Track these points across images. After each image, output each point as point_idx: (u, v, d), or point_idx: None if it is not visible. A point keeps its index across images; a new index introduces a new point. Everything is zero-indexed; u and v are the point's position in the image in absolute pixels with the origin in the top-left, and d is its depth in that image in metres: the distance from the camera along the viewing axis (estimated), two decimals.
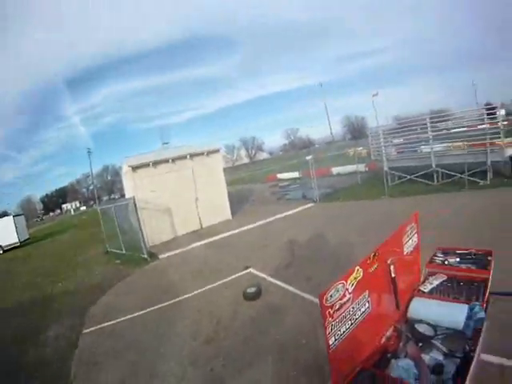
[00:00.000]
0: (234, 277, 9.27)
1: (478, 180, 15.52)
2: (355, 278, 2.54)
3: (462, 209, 11.80)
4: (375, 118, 57.67)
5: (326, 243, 10.56)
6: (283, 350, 5.45)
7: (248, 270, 9.54)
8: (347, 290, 2.47)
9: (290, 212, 17.21)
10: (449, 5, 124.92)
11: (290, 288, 7.78)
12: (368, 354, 2.77)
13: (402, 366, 2.57)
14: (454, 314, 3.02)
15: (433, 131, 17.43)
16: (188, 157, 17.41)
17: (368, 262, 2.73)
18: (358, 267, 2.58)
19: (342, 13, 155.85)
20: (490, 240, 6.94)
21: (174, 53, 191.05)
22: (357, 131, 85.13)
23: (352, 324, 2.56)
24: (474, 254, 3.92)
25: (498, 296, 3.59)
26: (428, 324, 3.03)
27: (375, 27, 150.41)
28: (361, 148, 33.65)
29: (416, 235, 3.67)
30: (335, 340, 2.41)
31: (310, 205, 18.18)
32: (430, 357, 2.72)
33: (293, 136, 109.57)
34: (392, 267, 3.04)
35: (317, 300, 2.40)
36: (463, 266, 3.75)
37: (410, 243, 3.54)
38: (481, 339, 2.83)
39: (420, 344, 2.86)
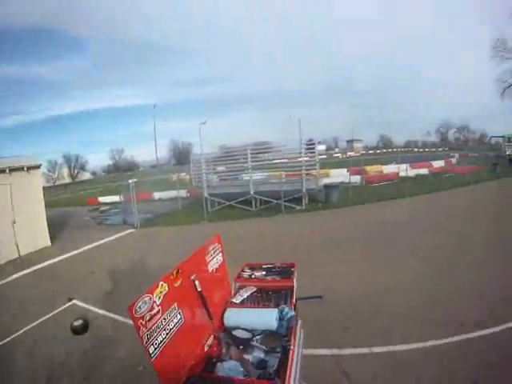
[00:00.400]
0: (58, 310, 8.48)
1: (295, 205, 17.15)
2: (161, 292, 2.62)
3: (274, 230, 13.25)
4: (200, 146, 59.47)
5: (146, 269, 10.31)
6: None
7: (72, 302, 8.86)
8: (155, 302, 2.52)
9: (110, 238, 16.26)
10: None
11: (117, 317, 7.46)
12: (194, 362, 2.85)
13: (228, 368, 2.73)
14: (266, 317, 3.28)
15: (253, 161, 18.46)
16: (7, 171, 14.63)
17: (171, 277, 2.83)
18: (161, 282, 2.67)
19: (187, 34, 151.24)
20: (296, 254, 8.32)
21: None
22: (182, 156, 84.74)
23: (168, 334, 2.62)
24: (279, 267, 4.30)
25: (305, 300, 4.10)
26: (244, 329, 3.26)
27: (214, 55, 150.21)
28: (184, 174, 33.77)
29: (220, 254, 3.88)
30: (155, 349, 2.43)
31: (130, 230, 17.41)
32: (253, 356, 2.93)
33: (118, 157, 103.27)
34: (197, 282, 3.15)
35: None
36: (269, 278, 4.07)
37: (214, 261, 3.73)
38: (295, 335, 3.18)
39: (241, 347, 3.06)
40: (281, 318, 3.29)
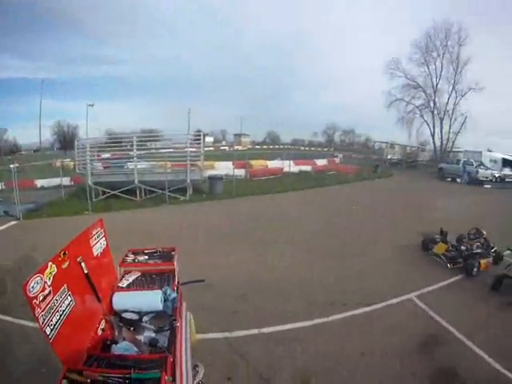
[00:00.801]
0: None
1: (179, 196, 17.32)
2: (50, 273, 2.58)
3: (157, 221, 13.48)
4: (86, 130, 56.42)
5: (32, 264, 9.24)
6: None
7: None
8: (46, 282, 2.49)
9: None
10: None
11: (8, 318, 6.86)
12: (90, 345, 2.92)
13: (122, 348, 2.88)
14: (151, 299, 3.53)
15: (139, 149, 18.23)
16: None
17: (59, 258, 2.77)
18: (50, 263, 2.61)
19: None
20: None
21: None
22: (68, 141, 78.07)
23: (62, 315, 2.62)
24: (160, 251, 4.48)
25: (188, 283, 4.69)
26: (133, 312, 3.44)
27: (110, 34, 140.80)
28: (68, 160, 31.77)
29: (104, 239, 3.83)
30: (51, 330, 2.44)
31: (13, 222, 15.48)
32: (145, 336, 3.18)
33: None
34: (83, 264, 3.14)
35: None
36: (151, 262, 4.26)
37: (98, 246, 3.69)
38: (181, 314, 3.54)
39: (132, 328, 3.24)
40: (165, 299, 3.58)
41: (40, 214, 16.62)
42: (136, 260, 4.28)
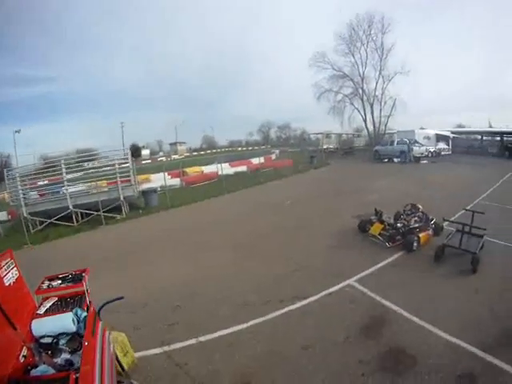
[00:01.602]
0: None
1: (116, 215, 16.80)
2: None
3: (91, 245, 13.10)
4: (16, 158, 54.42)
5: None
6: None
7: None
8: None
9: None
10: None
11: None
12: (11, 371, 2.95)
13: (39, 371, 3.04)
14: (64, 322, 3.61)
15: (74, 171, 18.23)
16: None
17: None
18: None
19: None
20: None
21: None
22: (1, 172, 73.78)
23: None
24: (72, 275, 4.45)
25: (109, 303, 4.63)
26: (50, 336, 3.53)
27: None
28: (4, 192, 30.02)
29: (15, 269, 3.82)
30: None
31: None
32: (61, 358, 3.34)
33: None
34: None
35: None
36: (63, 286, 4.24)
37: (10, 276, 3.69)
38: (91, 332, 3.60)
39: (50, 352, 3.40)
40: (78, 320, 3.68)
41: None
42: (50, 286, 4.25)
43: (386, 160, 33.63)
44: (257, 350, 5.52)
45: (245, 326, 6.18)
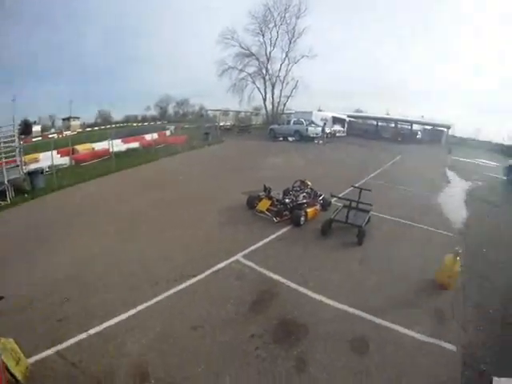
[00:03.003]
0: None
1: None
2: None
3: None
4: None
5: None
6: None
7: None
8: None
9: None
10: None
11: None
12: None
13: None
14: None
15: None
16: None
17: None
18: None
19: None
20: None
21: None
22: None
23: None
24: None
25: None
26: None
27: None
28: None
29: None
30: None
31: None
32: None
33: None
34: None
35: None
36: None
37: None
38: None
39: None
40: None
41: None
42: None
43: (281, 139, 34.37)
44: (149, 335, 5.41)
45: (134, 311, 6.00)
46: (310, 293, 6.39)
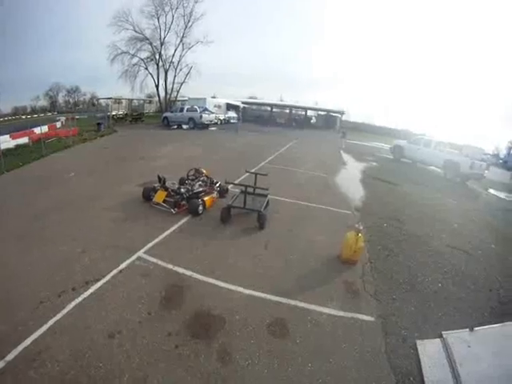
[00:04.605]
0: None
1: None
2: None
3: None
4: None
5: None
6: None
7: None
8: None
9: None
10: None
11: None
12: None
13: None
14: None
15: None
16: None
17: None
18: None
19: None
20: None
21: None
22: None
23: None
24: None
25: None
26: None
27: None
28: None
29: None
30: None
31: None
32: None
33: None
34: None
35: None
36: None
37: None
38: None
39: None
40: None
41: None
42: None
43: (175, 127, 34.13)
44: (65, 353, 4.83)
45: (44, 328, 5.28)
46: (218, 282, 6.30)
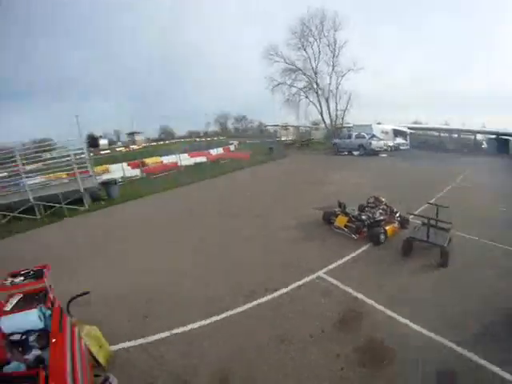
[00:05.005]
0: None
1: (78, 207, 16.40)
2: None
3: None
4: None
5: None
6: None
7: None
8: None
9: None
10: None
11: None
12: None
13: (11, 368, 3.11)
14: (31, 318, 3.64)
15: (32, 163, 17.69)
16: None
17: None
18: None
19: None
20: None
21: None
22: None
23: None
24: (33, 271, 4.42)
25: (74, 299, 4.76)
26: (19, 333, 3.58)
27: None
28: None
29: None
30: None
31: None
32: (32, 354, 3.37)
33: None
34: None
35: None
36: (26, 282, 4.22)
37: None
38: (57, 329, 3.53)
39: (20, 348, 3.45)
40: (45, 317, 3.71)
41: None
42: (13, 282, 4.25)
43: (345, 153, 34.31)
44: (231, 343, 5.46)
45: (218, 318, 6.13)
46: (397, 316, 6.04)
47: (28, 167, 17.20)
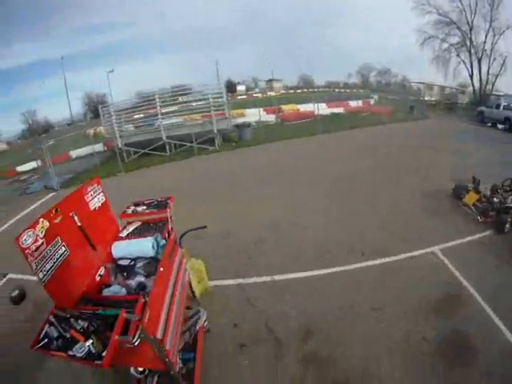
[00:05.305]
0: None
1: (208, 147, 17.65)
2: (43, 227, 2.88)
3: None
4: (110, 95, 58.14)
5: None
6: None
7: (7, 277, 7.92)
8: (38, 236, 2.82)
9: (34, 205, 14.35)
10: None
11: None
12: (86, 289, 3.29)
13: (111, 291, 3.35)
14: (144, 246, 3.82)
15: (169, 105, 19.06)
16: None
17: (51, 214, 3.06)
18: (41, 219, 2.91)
19: None
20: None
21: None
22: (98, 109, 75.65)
23: (55, 263, 2.97)
24: (158, 201, 4.68)
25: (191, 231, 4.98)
26: (129, 258, 3.80)
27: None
28: (101, 127, 31.21)
29: (102, 194, 4.05)
30: (44, 275, 2.80)
31: (52, 194, 15.99)
32: (135, 280, 3.53)
33: (31, 120, 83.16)
34: (76, 218, 3.40)
35: None
36: (148, 211, 4.49)
37: (95, 200, 3.94)
38: (168, 259, 3.77)
39: (125, 273, 3.65)
40: (157, 246, 3.87)
41: (75, 182, 16.67)
42: (135, 211, 4.53)
43: (489, 124, 29.97)
44: (328, 300, 5.46)
45: (322, 272, 6.17)
46: (493, 316, 5.32)
47: (164, 110, 18.52)
